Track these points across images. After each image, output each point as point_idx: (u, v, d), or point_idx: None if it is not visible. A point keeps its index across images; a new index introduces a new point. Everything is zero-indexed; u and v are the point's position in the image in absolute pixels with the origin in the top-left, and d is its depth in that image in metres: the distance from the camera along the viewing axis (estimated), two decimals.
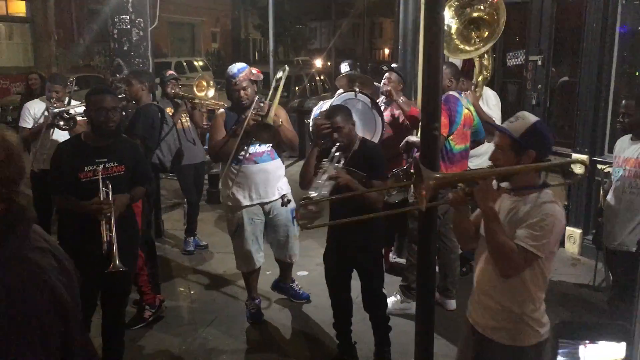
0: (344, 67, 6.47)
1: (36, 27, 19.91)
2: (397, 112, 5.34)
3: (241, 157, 4.47)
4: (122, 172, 3.52)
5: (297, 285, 5.17)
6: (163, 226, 6.82)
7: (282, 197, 4.68)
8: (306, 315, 4.86)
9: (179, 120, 5.97)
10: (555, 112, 6.80)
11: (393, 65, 5.82)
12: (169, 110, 6.06)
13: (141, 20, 5.80)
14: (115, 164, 3.50)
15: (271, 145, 4.55)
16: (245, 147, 4.45)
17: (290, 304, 5.05)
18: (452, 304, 4.88)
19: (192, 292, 5.30)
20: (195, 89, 6.38)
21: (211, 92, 6.44)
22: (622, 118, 4.04)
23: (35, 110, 5.54)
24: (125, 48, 5.78)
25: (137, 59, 5.84)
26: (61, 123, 5.13)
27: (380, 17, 40.45)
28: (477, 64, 5.07)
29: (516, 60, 6.85)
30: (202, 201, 7.46)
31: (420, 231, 3.04)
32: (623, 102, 4.12)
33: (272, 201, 4.65)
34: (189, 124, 6.15)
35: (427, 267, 2.97)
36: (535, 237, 2.42)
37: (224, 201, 4.74)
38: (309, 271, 5.72)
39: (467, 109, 4.69)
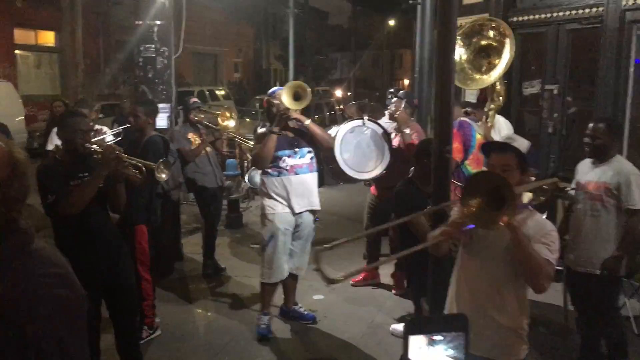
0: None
1: (64, 57, 20.44)
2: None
3: (282, 168, 4.77)
4: (101, 186, 3.62)
5: (300, 307, 5.23)
6: (182, 250, 6.93)
7: (314, 212, 4.92)
8: (322, 339, 4.89)
9: (202, 150, 6.16)
10: (572, 140, 6.83)
11: (400, 92, 5.96)
12: (191, 136, 6.22)
13: (166, 49, 6.01)
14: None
15: (311, 157, 4.85)
16: (286, 158, 4.76)
17: (305, 328, 5.09)
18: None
19: (209, 314, 5.38)
20: (219, 118, 6.53)
21: (232, 123, 6.57)
22: (592, 141, 3.99)
23: None
24: (149, 75, 5.99)
25: (161, 86, 6.04)
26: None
27: (400, 48, 40.87)
28: (489, 91, 5.16)
29: (532, 89, 6.93)
30: (221, 226, 7.58)
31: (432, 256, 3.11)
32: (591, 125, 4.04)
33: (303, 212, 4.85)
34: (211, 149, 6.31)
35: (440, 290, 3.04)
36: (552, 251, 2.52)
37: (262, 210, 4.95)
38: (325, 295, 5.77)
39: (480, 134, 4.80)
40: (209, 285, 6.11)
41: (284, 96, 4.76)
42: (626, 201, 3.86)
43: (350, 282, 6.06)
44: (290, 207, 4.80)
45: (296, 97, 4.82)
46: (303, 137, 4.86)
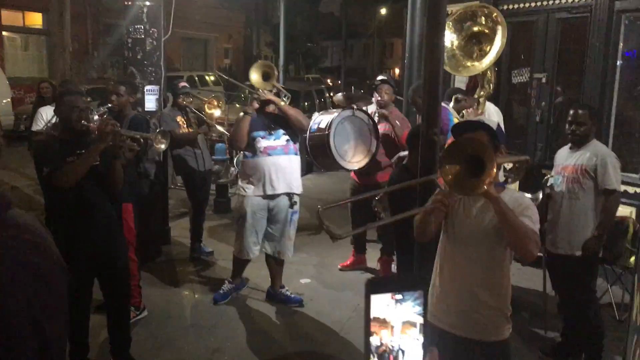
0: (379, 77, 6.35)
1: (52, 39, 20.23)
2: (388, 127, 5.54)
3: (257, 149, 4.81)
4: (98, 163, 3.65)
5: (286, 290, 5.26)
6: (170, 233, 6.92)
7: (290, 196, 4.90)
8: (308, 322, 4.92)
9: (196, 136, 6.16)
10: (560, 129, 6.88)
11: (381, 78, 6.00)
12: (179, 119, 6.21)
13: (155, 30, 5.97)
14: None
15: (287, 140, 4.86)
16: (260, 139, 4.80)
17: (292, 311, 5.12)
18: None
19: (196, 296, 5.39)
20: (206, 105, 6.51)
21: (218, 112, 6.55)
22: (577, 128, 4.08)
23: (47, 115, 5.72)
24: (138, 57, 5.95)
25: (150, 68, 6.00)
26: None
27: (391, 37, 40.85)
28: (479, 78, 5.18)
29: (521, 77, 6.96)
30: (209, 211, 7.58)
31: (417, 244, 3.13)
32: (572, 112, 4.14)
33: (277, 196, 4.86)
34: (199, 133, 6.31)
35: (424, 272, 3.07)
36: (534, 222, 2.56)
37: (237, 191, 5.05)
38: (311, 278, 5.80)
39: (457, 118, 4.82)
40: (196, 268, 6.12)
41: (253, 75, 4.80)
42: (603, 182, 3.99)
43: (338, 266, 6.09)
44: (263, 189, 4.84)
45: (265, 76, 4.85)
46: (279, 119, 4.88)
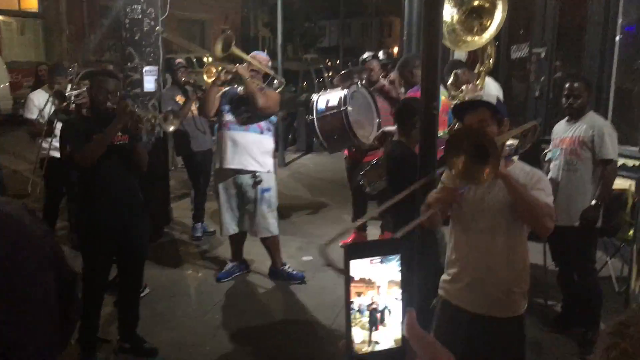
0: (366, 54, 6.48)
1: (48, 23, 20.12)
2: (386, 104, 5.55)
3: (222, 122, 4.98)
4: (127, 142, 3.75)
5: (288, 267, 5.31)
6: (172, 214, 6.96)
7: (254, 175, 4.94)
8: (311, 298, 4.97)
9: (190, 109, 6.13)
10: (559, 104, 6.88)
11: (369, 54, 6.02)
12: (179, 98, 6.21)
13: (152, 10, 5.94)
14: (120, 134, 3.73)
15: (248, 116, 4.90)
16: (225, 113, 4.94)
17: (294, 287, 5.17)
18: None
19: (199, 275, 5.44)
20: (205, 75, 6.46)
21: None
22: (574, 100, 4.14)
23: (39, 100, 5.66)
24: (136, 37, 5.92)
25: (148, 48, 5.98)
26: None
27: (389, 16, 40.51)
28: (479, 53, 5.17)
29: (520, 53, 6.95)
30: (210, 191, 7.60)
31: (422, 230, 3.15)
32: (568, 84, 4.19)
33: (241, 172, 4.94)
34: (196, 112, 6.28)
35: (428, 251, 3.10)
36: (547, 195, 2.58)
37: None
38: (313, 256, 5.84)
39: (444, 96, 4.79)
40: (198, 248, 6.17)
41: (216, 46, 4.90)
42: (600, 153, 4.05)
43: (340, 244, 6.12)
44: (220, 163, 5.00)
45: (225, 48, 4.89)
46: (245, 97, 4.91)
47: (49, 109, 5.50)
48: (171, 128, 4.23)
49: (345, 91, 5.18)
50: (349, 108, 5.05)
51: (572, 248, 4.20)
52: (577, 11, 6.31)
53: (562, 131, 4.28)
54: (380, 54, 6.80)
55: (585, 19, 5.92)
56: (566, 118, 4.28)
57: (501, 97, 5.71)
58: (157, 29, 5.88)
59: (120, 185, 3.77)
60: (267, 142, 5.01)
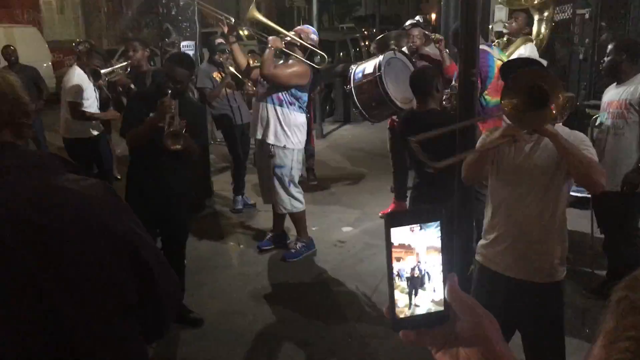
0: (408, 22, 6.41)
1: (86, 1, 20.42)
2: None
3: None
4: (185, 132, 3.75)
5: (295, 243, 5.25)
6: (212, 187, 7.07)
7: (269, 148, 4.96)
8: (350, 269, 5.00)
9: (221, 85, 6.18)
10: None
11: (411, 21, 5.90)
12: (216, 75, 6.25)
13: None
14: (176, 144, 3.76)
15: (268, 87, 4.93)
16: (259, 83, 5.08)
17: (334, 257, 5.21)
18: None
19: (241, 246, 5.54)
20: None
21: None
22: (605, 61, 4.18)
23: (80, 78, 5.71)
24: (173, 13, 5.97)
25: (185, 23, 6.02)
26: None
27: None
28: (535, 27, 5.08)
29: (563, 14, 6.73)
30: (249, 164, 7.68)
31: (458, 190, 3.14)
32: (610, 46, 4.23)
33: (265, 145, 5.00)
34: (232, 89, 6.31)
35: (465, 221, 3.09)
36: (592, 154, 2.53)
37: None
38: (353, 227, 5.87)
39: (500, 59, 4.65)
40: (240, 220, 6.26)
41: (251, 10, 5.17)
42: None
43: (379, 214, 6.13)
44: (252, 132, 5.20)
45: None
46: None
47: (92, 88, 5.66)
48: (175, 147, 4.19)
49: (380, 57, 5.11)
50: (384, 74, 4.96)
51: (615, 213, 4.13)
52: None
53: (611, 95, 4.19)
54: (417, 19, 6.65)
55: None
56: (615, 83, 4.19)
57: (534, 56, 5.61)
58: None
59: (163, 169, 3.86)
60: (288, 115, 4.92)
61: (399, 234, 0.80)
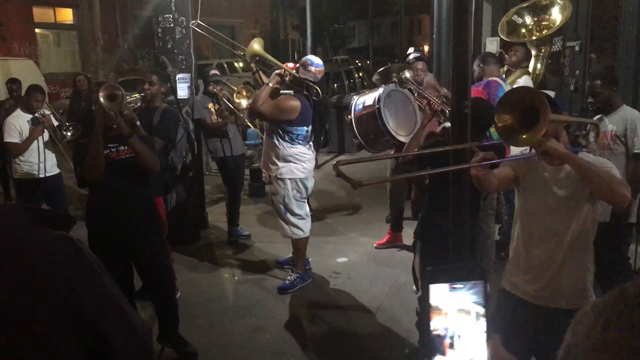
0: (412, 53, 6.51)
1: (83, 34, 20.60)
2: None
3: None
4: (129, 155, 3.69)
5: (290, 276, 5.23)
6: (207, 218, 7.05)
7: (268, 176, 5.26)
8: (346, 299, 4.98)
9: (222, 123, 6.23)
10: None
11: (415, 55, 5.97)
12: (210, 106, 6.29)
13: (184, 18, 6.03)
14: (122, 147, 3.69)
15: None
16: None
17: (330, 288, 5.19)
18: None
19: (235, 278, 5.51)
20: (235, 95, 6.48)
21: (245, 103, 6.44)
22: (594, 98, 4.15)
23: (19, 124, 5.80)
24: (169, 46, 6.02)
25: (181, 56, 6.08)
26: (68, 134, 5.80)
27: (419, 14, 40.23)
28: (532, 62, 5.19)
29: (554, 46, 6.83)
30: (244, 195, 7.69)
31: (453, 213, 3.14)
32: (588, 83, 4.28)
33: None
34: (228, 121, 6.34)
35: (460, 252, 3.08)
36: (615, 174, 2.54)
37: None
38: (348, 257, 5.86)
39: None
40: (234, 251, 6.24)
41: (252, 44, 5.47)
42: (632, 146, 4.02)
43: (374, 244, 6.13)
44: None
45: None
46: None
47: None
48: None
49: (381, 90, 5.16)
50: (383, 106, 5.00)
51: (604, 244, 4.13)
52: (611, 3, 6.18)
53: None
54: (412, 51, 6.74)
55: (620, 9, 5.80)
56: (598, 115, 4.25)
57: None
58: (191, 23, 5.98)
59: (129, 198, 3.74)
60: (280, 147, 5.03)
61: (436, 293, 0.78)
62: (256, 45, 5.47)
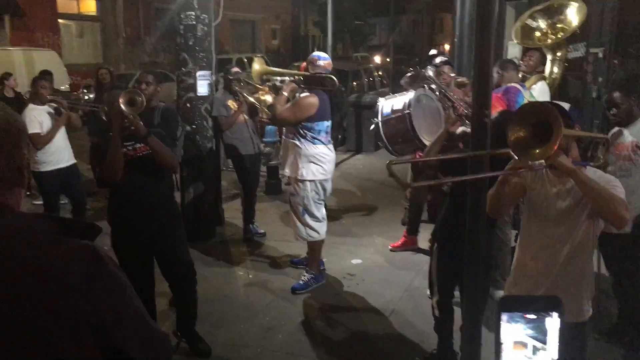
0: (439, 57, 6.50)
1: (105, 26, 20.80)
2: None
3: None
4: (147, 152, 3.71)
5: (304, 275, 5.23)
6: (223, 215, 7.08)
7: (288, 177, 5.23)
8: (360, 302, 4.98)
9: (237, 114, 6.24)
10: None
11: (442, 59, 5.93)
12: (230, 103, 6.30)
13: (206, 16, 6.05)
14: (139, 145, 3.71)
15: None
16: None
17: (344, 290, 5.19)
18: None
19: (250, 276, 5.53)
20: (259, 93, 6.47)
21: (270, 98, 6.46)
22: (617, 110, 4.10)
23: (39, 116, 5.87)
24: (190, 43, 6.04)
25: (202, 54, 6.10)
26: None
27: (440, 12, 40.01)
28: (548, 66, 5.14)
29: (577, 52, 6.76)
30: (260, 192, 7.71)
31: (469, 220, 3.12)
32: (607, 97, 4.22)
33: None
34: (246, 117, 6.37)
35: (475, 259, 3.06)
36: (619, 193, 2.55)
37: None
38: (363, 259, 5.85)
39: (528, 101, 4.69)
40: (249, 249, 6.26)
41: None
42: None
43: (389, 247, 6.11)
44: None
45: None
46: None
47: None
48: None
49: (411, 94, 5.13)
50: (413, 111, 4.98)
51: (625, 255, 4.11)
52: (636, 9, 6.09)
53: (617, 137, 4.20)
54: (434, 53, 6.71)
55: None
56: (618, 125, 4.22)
57: (545, 97, 5.62)
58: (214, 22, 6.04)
59: (149, 195, 3.76)
60: (299, 148, 5.01)
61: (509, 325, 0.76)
62: (257, 66, 5.50)
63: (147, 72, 5.58)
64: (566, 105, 2.96)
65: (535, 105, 2.52)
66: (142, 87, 4.97)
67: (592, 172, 2.65)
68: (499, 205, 2.79)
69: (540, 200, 2.74)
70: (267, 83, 5.48)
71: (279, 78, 5.43)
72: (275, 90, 5.15)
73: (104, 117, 4.53)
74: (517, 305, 0.76)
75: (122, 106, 3.52)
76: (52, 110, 5.94)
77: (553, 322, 0.80)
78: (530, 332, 0.77)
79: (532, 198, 2.77)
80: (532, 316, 0.76)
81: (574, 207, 2.63)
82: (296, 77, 5.12)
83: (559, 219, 2.68)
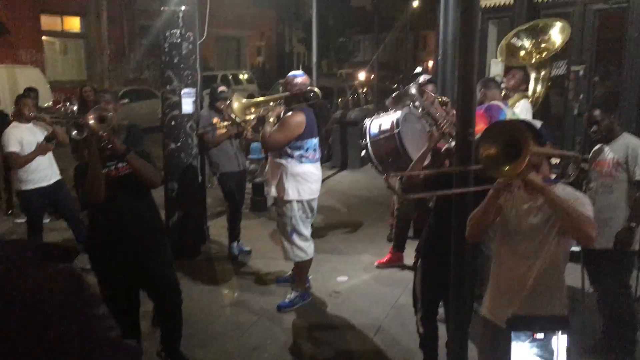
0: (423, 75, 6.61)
1: (89, 43, 20.75)
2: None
3: None
4: (128, 171, 3.68)
5: (290, 294, 5.21)
6: (208, 232, 7.04)
7: (274, 198, 5.17)
8: (345, 319, 4.95)
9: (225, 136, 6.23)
10: None
11: (425, 77, 6.00)
12: (216, 120, 6.29)
13: (191, 34, 6.06)
14: (121, 164, 3.68)
15: None
16: None
17: (329, 308, 5.17)
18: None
19: (235, 295, 5.49)
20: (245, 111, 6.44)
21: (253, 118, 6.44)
22: (596, 127, 4.17)
23: (21, 136, 5.79)
24: (175, 61, 6.04)
25: (187, 71, 6.10)
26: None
27: (423, 30, 40.43)
28: (532, 85, 5.21)
29: (558, 70, 6.85)
30: (246, 209, 7.68)
31: (454, 237, 3.14)
32: (586, 114, 4.31)
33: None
34: (231, 137, 6.35)
35: (460, 276, 3.08)
36: (587, 210, 2.59)
37: None
38: (349, 276, 5.84)
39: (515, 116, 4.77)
40: (235, 266, 6.22)
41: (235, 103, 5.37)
42: (634, 174, 4.03)
43: (375, 263, 6.11)
44: None
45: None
46: None
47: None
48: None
49: (398, 114, 5.15)
50: (402, 130, 4.98)
51: (607, 271, 4.17)
52: (616, 28, 6.21)
53: (597, 154, 4.28)
54: (419, 71, 6.80)
55: (625, 35, 5.82)
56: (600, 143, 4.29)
57: (527, 115, 5.69)
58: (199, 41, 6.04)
59: (134, 214, 3.72)
60: (288, 166, 4.97)
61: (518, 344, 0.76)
62: (236, 104, 5.46)
63: (104, 91, 5.61)
64: (538, 123, 3.00)
65: (505, 123, 2.57)
66: (103, 106, 4.94)
67: (561, 189, 2.69)
68: (483, 227, 2.80)
69: (512, 216, 2.78)
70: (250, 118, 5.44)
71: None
72: (262, 123, 5.10)
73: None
74: (525, 325, 0.77)
75: (92, 122, 3.48)
76: (37, 130, 5.87)
77: (560, 341, 0.80)
78: (536, 350, 0.78)
79: (504, 214, 2.81)
80: (540, 336, 0.77)
81: (545, 224, 2.67)
82: (278, 101, 5.13)
83: (530, 234, 2.72)
